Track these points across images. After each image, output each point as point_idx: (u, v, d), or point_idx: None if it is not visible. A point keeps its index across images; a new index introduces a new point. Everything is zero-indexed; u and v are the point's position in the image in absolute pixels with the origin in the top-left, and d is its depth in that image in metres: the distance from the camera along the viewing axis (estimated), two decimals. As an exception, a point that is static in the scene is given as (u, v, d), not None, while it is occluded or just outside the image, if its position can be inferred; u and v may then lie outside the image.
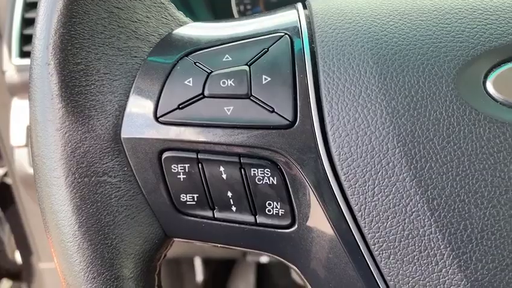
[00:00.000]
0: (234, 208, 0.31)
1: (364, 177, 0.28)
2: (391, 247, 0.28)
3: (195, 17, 0.82)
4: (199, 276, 1.28)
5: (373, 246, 0.29)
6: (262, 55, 0.31)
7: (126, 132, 0.31)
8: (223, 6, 0.89)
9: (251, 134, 0.30)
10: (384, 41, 0.30)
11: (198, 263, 1.28)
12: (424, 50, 0.29)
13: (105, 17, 0.32)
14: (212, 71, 0.31)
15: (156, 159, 0.31)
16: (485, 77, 0.29)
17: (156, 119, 0.31)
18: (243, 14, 0.90)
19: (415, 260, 0.28)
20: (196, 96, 0.31)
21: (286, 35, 0.32)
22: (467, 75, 0.29)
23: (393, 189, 0.28)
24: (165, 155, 0.31)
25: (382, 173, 0.28)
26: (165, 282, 1.16)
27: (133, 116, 0.31)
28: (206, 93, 0.31)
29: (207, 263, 1.28)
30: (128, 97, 0.32)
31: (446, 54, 0.29)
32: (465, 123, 0.28)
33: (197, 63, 0.32)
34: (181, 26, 0.36)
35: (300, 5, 0.35)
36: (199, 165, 0.31)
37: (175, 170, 0.31)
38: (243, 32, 0.33)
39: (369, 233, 0.29)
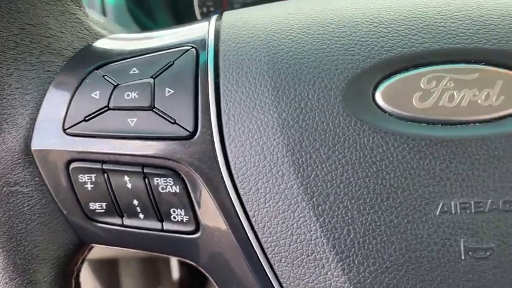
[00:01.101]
0: (141, 215, 0.33)
1: (256, 185, 0.30)
2: (282, 251, 0.30)
3: (155, 21, 0.83)
4: (176, 274, 1.30)
5: (267, 250, 0.30)
6: (167, 68, 0.33)
7: (36, 144, 0.33)
8: (186, 9, 0.90)
9: (153, 144, 0.31)
10: (280, 55, 0.31)
11: (174, 261, 1.30)
12: (316, 63, 0.31)
13: (17, 34, 0.33)
14: (118, 84, 0.32)
15: (64, 169, 0.32)
16: (375, 88, 0.31)
17: (64, 131, 0.32)
18: (206, 16, 0.92)
19: (304, 263, 0.29)
20: (102, 108, 0.32)
21: (193, 48, 0.33)
22: (357, 87, 0.30)
23: (282, 196, 0.29)
24: (73, 165, 0.32)
25: (273, 181, 0.30)
26: (140, 281, 1.17)
27: (43, 129, 0.33)
28: (111, 105, 0.32)
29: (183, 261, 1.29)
30: (39, 110, 0.33)
31: (337, 67, 0.31)
32: (350, 134, 0.29)
33: (105, 76, 0.33)
34: (98, 39, 0.37)
35: (214, 18, 0.36)
36: (105, 175, 0.32)
37: (82, 180, 0.32)
38: (153, 45, 0.35)
39: (263, 238, 0.30)
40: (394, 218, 0.29)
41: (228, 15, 0.36)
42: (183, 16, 0.91)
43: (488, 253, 0.28)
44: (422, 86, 0.30)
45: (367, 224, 0.29)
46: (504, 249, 0.28)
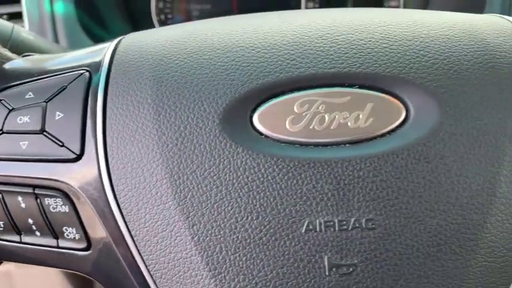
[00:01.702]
0: (37, 233, 0.34)
1: (137, 205, 0.31)
2: (162, 268, 0.31)
3: (110, 31, 0.85)
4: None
5: (149, 267, 0.32)
6: (60, 92, 0.34)
7: None
8: (143, 17, 0.92)
9: (43, 166, 0.33)
10: (166, 79, 0.33)
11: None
12: (198, 88, 0.32)
13: None
14: (13, 108, 0.34)
15: None
16: (253, 112, 0.32)
17: None
18: (164, 24, 0.93)
19: (182, 280, 0.31)
20: None
21: (87, 72, 0.35)
22: (235, 110, 0.32)
23: (161, 216, 0.31)
24: None
25: (152, 201, 0.31)
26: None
27: None
28: (5, 129, 0.33)
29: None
30: None
31: (217, 91, 0.32)
32: (225, 156, 0.31)
33: (2, 101, 0.34)
34: (4, 62, 0.38)
35: (115, 41, 0.38)
36: (0, 195, 0.34)
37: None
38: (52, 67, 0.36)
39: (145, 256, 0.32)
40: (262, 235, 0.30)
41: (127, 38, 0.37)
42: (140, 24, 0.92)
43: (351, 269, 0.30)
44: (295, 109, 0.32)
45: (238, 241, 0.30)
46: (367, 265, 0.30)
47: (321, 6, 0.92)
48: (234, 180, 0.31)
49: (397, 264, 0.30)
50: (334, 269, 0.30)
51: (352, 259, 0.30)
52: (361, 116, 0.31)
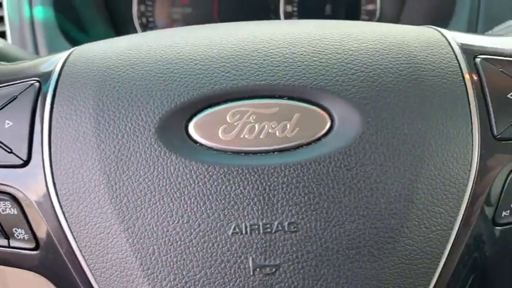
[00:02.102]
0: None
1: (78, 208, 0.34)
2: (102, 267, 0.33)
3: (90, 35, 0.86)
4: None
5: (90, 267, 0.34)
6: (11, 101, 0.36)
7: None
8: (125, 21, 0.94)
9: None
10: (107, 89, 0.35)
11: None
12: (137, 98, 0.34)
13: None
14: None
15: None
16: (188, 121, 0.34)
17: None
18: (146, 27, 0.95)
19: (118, 279, 0.33)
20: None
21: (38, 82, 0.37)
22: (172, 120, 0.34)
23: (99, 219, 0.33)
24: None
25: (91, 205, 0.33)
26: None
27: None
28: None
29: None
30: None
31: (154, 102, 0.34)
32: (159, 163, 0.33)
33: None
34: None
35: (68, 52, 0.40)
36: None
37: None
38: (5, 77, 0.38)
39: (86, 255, 0.34)
40: (192, 238, 0.32)
41: (78, 49, 0.39)
42: (122, 28, 0.94)
43: (274, 269, 0.32)
44: (228, 119, 0.34)
45: (169, 243, 0.32)
46: (289, 266, 0.32)
47: (299, 11, 0.94)
48: (167, 186, 0.33)
49: (317, 265, 0.32)
50: (258, 270, 0.32)
51: (275, 260, 0.32)
52: (288, 126, 0.34)
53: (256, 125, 0.34)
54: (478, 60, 0.36)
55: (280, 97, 0.34)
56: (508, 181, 0.34)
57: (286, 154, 0.33)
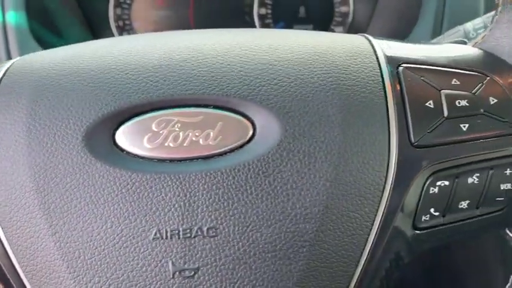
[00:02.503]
0: None
1: (10, 214, 0.35)
2: (33, 270, 0.35)
3: (65, 39, 0.88)
4: None
5: (23, 269, 0.35)
6: None
7: None
8: (101, 24, 0.95)
9: None
10: (41, 99, 0.36)
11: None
12: (67, 107, 0.36)
13: None
14: None
15: None
16: (116, 129, 0.36)
17: None
18: (122, 30, 0.96)
19: (48, 281, 0.35)
20: None
21: None
22: (99, 128, 0.35)
23: (29, 224, 0.35)
24: None
25: (22, 211, 0.35)
26: None
27: None
28: None
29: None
30: None
31: (83, 110, 0.36)
32: (85, 171, 0.34)
33: None
34: None
35: (10, 62, 0.41)
36: None
37: None
38: None
39: (19, 258, 0.35)
40: (116, 242, 0.34)
41: (19, 60, 0.41)
42: (99, 31, 0.96)
43: (193, 273, 0.34)
44: (153, 128, 0.35)
45: (94, 248, 0.34)
46: (207, 269, 0.33)
47: (273, 13, 0.95)
48: (92, 193, 0.34)
49: (234, 268, 0.34)
50: (178, 273, 0.33)
51: (194, 264, 0.34)
52: (211, 134, 0.35)
53: (180, 133, 0.35)
54: (400, 69, 0.37)
55: (206, 106, 0.36)
56: (425, 187, 0.36)
57: (208, 161, 0.35)
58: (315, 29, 0.96)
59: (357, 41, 0.40)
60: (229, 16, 0.97)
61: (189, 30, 0.44)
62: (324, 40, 0.40)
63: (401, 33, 0.83)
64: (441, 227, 0.37)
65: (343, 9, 0.95)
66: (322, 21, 0.96)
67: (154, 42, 0.40)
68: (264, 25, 0.96)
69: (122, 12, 0.96)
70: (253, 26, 0.95)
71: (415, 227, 0.37)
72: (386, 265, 0.37)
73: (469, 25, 0.50)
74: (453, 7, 0.77)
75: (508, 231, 0.39)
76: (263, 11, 0.96)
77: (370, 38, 0.41)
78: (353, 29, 0.95)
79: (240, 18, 0.96)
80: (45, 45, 0.81)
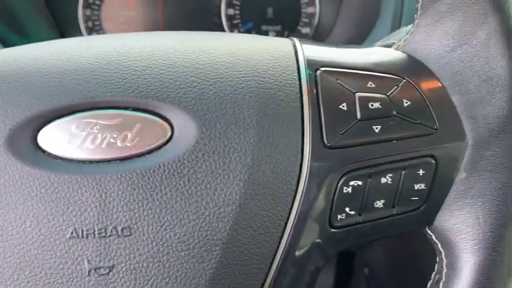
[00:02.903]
0: None
1: None
2: None
3: (32, 40, 0.89)
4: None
5: None
6: None
7: None
8: (70, 24, 0.96)
9: None
10: None
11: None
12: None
13: None
14: None
15: None
16: (38, 131, 0.36)
17: None
18: (92, 30, 0.97)
19: None
20: None
21: None
22: (21, 130, 0.36)
23: None
24: None
25: None
26: None
27: None
28: None
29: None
30: None
31: (7, 112, 0.36)
32: (6, 171, 0.35)
33: None
34: None
35: None
36: None
37: None
38: None
39: None
40: (34, 241, 0.35)
41: None
42: (68, 32, 0.96)
43: (108, 270, 0.35)
44: (74, 130, 0.36)
45: (14, 246, 0.35)
46: (122, 267, 0.35)
47: (241, 14, 0.96)
48: (13, 193, 0.35)
49: (148, 266, 0.35)
50: (93, 270, 0.35)
51: (109, 262, 0.35)
52: (129, 136, 0.36)
53: (99, 135, 0.36)
54: (318, 72, 0.38)
55: (125, 108, 0.37)
56: (338, 186, 0.37)
57: (125, 163, 0.36)
58: (283, 29, 0.97)
59: (281, 45, 0.41)
60: (198, 17, 0.97)
61: (133, 33, 0.45)
62: (250, 44, 0.41)
63: (365, 34, 0.84)
64: (358, 226, 0.38)
65: (310, 10, 0.96)
66: (290, 22, 0.97)
67: (90, 45, 0.41)
68: (233, 26, 0.97)
69: (91, 13, 0.97)
70: (221, 26, 0.96)
71: (331, 226, 0.38)
72: (303, 263, 0.38)
73: (410, 27, 0.52)
74: (411, 7, 0.78)
75: (428, 230, 0.40)
76: (231, 11, 0.96)
77: (297, 42, 0.42)
78: (320, 29, 0.96)
79: (209, 19, 0.97)
80: (9, 46, 0.81)
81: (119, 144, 0.36)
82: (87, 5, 0.96)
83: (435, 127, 0.37)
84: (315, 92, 0.37)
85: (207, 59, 0.39)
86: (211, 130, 0.36)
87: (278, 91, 0.37)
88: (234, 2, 0.96)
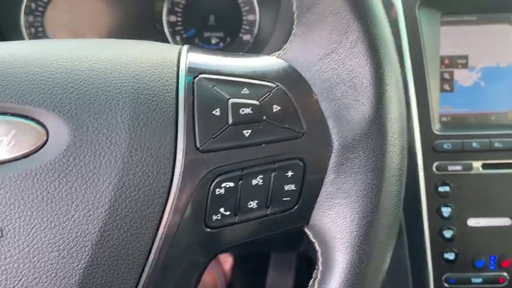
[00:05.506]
0: None
1: None
2: None
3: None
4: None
5: None
6: None
7: None
8: (12, 31, 0.96)
9: None
10: None
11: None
12: None
13: None
14: None
15: None
16: None
17: None
18: (35, 37, 0.98)
19: None
20: None
21: None
22: None
23: None
24: None
25: None
26: None
27: None
28: None
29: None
30: None
31: None
32: None
33: None
34: None
35: None
36: None
37: None
38: None
39: None
40: None
41: None
42: (10, 38, 0.97)
43: None
44: None
45: None
46: None
47: (183, 21, 0.98)
48: None
49: (19, 266, 0.36)
50: None
51: None
52: (5, 140, 0.37)
53: None
54: (196, 79, 0.40)
55: (4, 114, 0.38)
56: (211, 188, 0.38)
57: (1, 167, 0.37)
58: (225, 36, 0.99)
59: (166, 52, 0.42)
60: (140, 23, 0.99)
61: (23, 41, 0.46)
62: (136, 50, 0.42)
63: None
64: (235, 226, 0.40)
65: (250, 17, 0.98)
66: (232, 29, 0.98)
67: None
68: (175, 32, 0.98)
69: (34, 20, 0.97)
70: (163, 33, 0.98)
71: (207, 226, 0.39)
72: (179, 263, 0.39)
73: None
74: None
75: (306, 229, 0.42)
76: (173, 18, 0.98)
77: (184, 49, 0.43)
78: (260, 36, 0.97)
79: (151, 26, 0.98)
80: None
81: (-5, 149, 0.37)
82: (29, 12, 0.97)
83: (302, 131, 0.39)
84: (191, 98, 0.39)
85: (88, 65, 0.40)
86: (83, 135, 0.37)
87: (154, 96, 0.39)
88: (176, 8, 0.97)
